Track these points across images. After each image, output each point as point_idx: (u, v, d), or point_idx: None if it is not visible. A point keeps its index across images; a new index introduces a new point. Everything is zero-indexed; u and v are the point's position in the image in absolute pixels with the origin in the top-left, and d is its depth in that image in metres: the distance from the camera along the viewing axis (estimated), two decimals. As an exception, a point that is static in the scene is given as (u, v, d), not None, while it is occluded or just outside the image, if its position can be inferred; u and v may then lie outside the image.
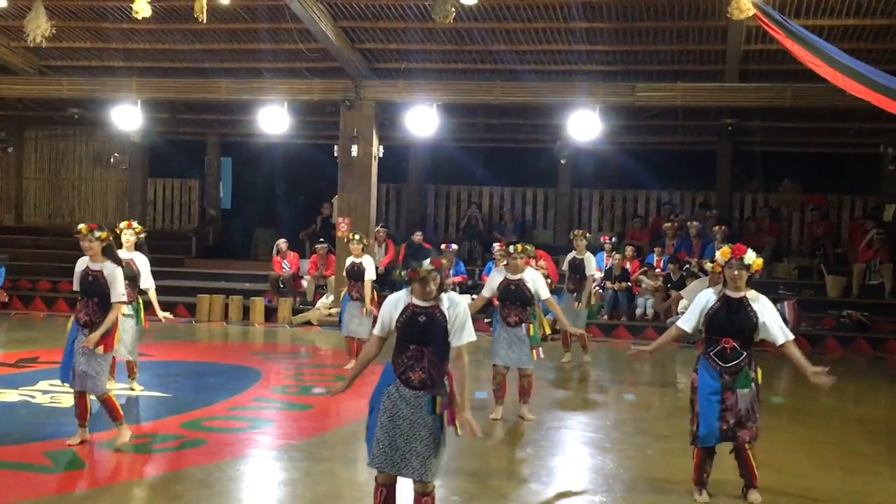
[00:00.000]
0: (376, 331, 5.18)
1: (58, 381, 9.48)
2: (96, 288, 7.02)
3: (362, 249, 11.34)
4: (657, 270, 15.97)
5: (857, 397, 11.17)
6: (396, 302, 5.04)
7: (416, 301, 4.97)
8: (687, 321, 6.31)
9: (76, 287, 7.15)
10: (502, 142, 19.89)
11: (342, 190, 15.88)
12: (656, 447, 7.80)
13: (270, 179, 21.42)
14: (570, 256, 12.40)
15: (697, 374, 6.21)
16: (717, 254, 6.26)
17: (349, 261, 11.44)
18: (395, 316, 5.01)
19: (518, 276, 8.51)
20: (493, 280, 8.71)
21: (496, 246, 15.62)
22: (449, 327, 4.95)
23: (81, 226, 7.19)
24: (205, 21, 11.36)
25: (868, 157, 18.30)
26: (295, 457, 7.23)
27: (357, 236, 11.51)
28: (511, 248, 8.51)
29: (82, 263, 7.12)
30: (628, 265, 16.01)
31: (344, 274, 11.69)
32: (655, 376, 12.61)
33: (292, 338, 14.75)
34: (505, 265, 8.68)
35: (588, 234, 12.79)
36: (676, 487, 6.53)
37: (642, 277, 15.71)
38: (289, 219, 20.44)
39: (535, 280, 8.59)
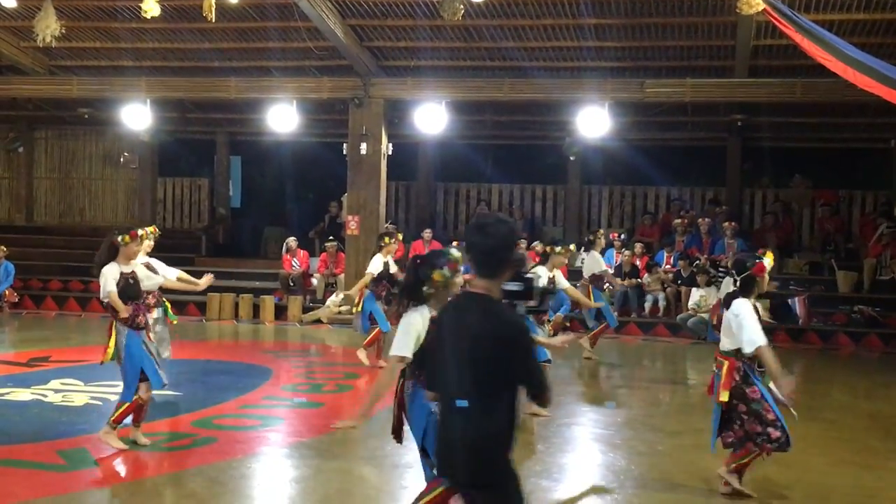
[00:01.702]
0: (404, 352, 4.72)
1: (69, 380, 9.61)
2: (138, 289, 7.11)
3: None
4: (667, 266, 15.95)
5: (869, 393, 11.13)
6: (423, 321, 4.75)
7: (433, 312, 4.83)
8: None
9: (116, 291, 7.03)
10: (511, 139, 19.86)
11: (351, 188, 15.89)
12: (667, 443, 7.79)
13: (280, 178, 21.43)
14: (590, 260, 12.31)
15: (755, 385, 6.01)
16: (768, 261, 6.15)
17: (383, 261, 11.06)
18: (424, 335, 4.74)
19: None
20: None
21: None
22: None
23: (144, 230, 7.59)
24: (213, 20, 11.39)
25: (879, 152, 18.20)
26: (306, 454, 7.25)
27: (401, 235, 11.58)
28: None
29: (115, 269, 7.04)
30: (638, 262, 15.99)
31: (376, 274, 11.08)
32: (666, 373, 12.60)
33: (302, 336, 14.77)
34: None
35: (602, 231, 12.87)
36: (687, 484, 6.52)
37: (647, 280, 15.69)
38: (298, 217, 20.48)
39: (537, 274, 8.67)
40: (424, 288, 4.78)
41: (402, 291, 4.88)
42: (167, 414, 8.52)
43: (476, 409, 3.38)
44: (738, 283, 6.12)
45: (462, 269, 4.88)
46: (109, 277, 7.00)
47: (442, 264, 4.80)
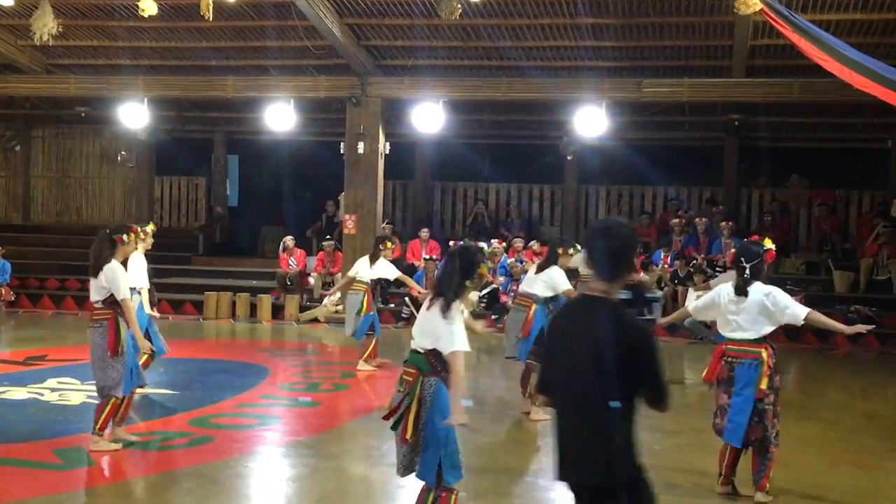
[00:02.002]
0: (468, 346, 4.74)
1: (66, 379, 9.60)
2: None
3: None
4: (664, 266, 15.96)
5: (866, 393, 11.15)
6: (460, 316, 4.81)
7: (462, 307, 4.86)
8: None
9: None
10: (508, 138, 19.86)
11: (348, 187, 15.88)
12: (664, 443, 7.79)
13: (277, 177, 21.42)
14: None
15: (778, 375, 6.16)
16: (771, 244, 6.25)
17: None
18: None
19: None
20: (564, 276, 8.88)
21: (494, 242, 15.70)
22: None
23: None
24: (211, 19, 11.38)
25: (875, 152, 18.23)
26: (303, 453, 7.25)
27: (397, 240, 11.73)
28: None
29: (122, 268, 7.09)
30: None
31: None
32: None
33: (299, 335, 14.76)
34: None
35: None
36: (684, 483, 6.53)
37: (643, 278, 15.69)
38: (295, 216, 20.46)
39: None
40: (467, 282, 4.79)
41: (449, 286, 4.78)
42: (164, 413, 8.53)
43: (599, 414, 3.36)
44: (749, 271, 6.08)
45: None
46: (123, 278, 7.00)
47: (482, 259, 4.85)
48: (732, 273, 6.40)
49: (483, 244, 5.14)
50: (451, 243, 16.16)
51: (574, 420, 3.45)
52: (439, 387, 4.76)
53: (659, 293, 15.34)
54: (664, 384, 3.40)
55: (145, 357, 8.60)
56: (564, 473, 3.51)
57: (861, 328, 6.31)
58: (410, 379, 4.84)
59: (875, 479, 6.90)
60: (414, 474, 4.85)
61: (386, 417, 4.99)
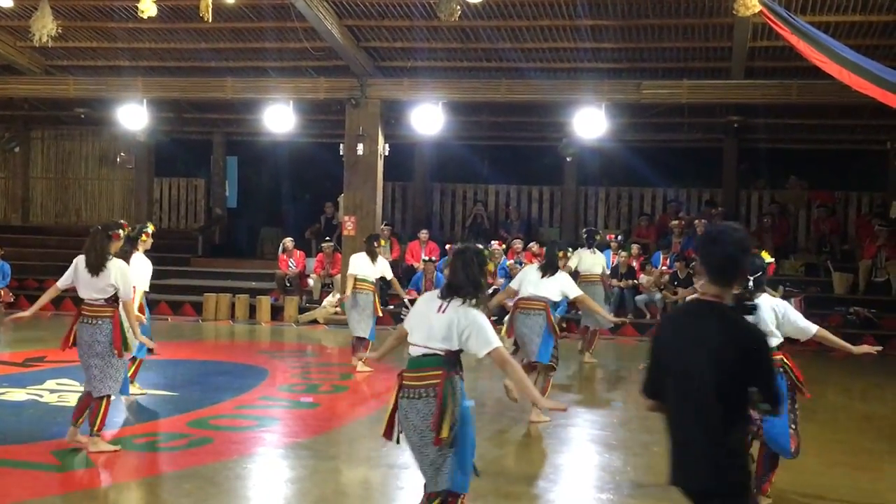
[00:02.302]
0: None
1: (65, 380, 9.59)
2: None
3: None
4: (664, 268, 15.96)
5: (864, 394, 11.16)
6: None
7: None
8: None
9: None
10: (508, 140, 19.88)
11: (348, 188, 15.88)
12: (663, 445, 7.76)
13: (276, 178, 21.44)
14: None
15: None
16: (771, 258, 6.26)
17: None
18: None
19: None
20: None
21: (493, 244, 15.70)
22: None
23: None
24: (210, 20, 11.39)
25: (874, 154, 18.25)
26: (302, 455, 7.25)
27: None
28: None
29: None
30: (634, 263, 16.01)
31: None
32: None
33: (298, 336, 14.76)
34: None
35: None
36: (683, 485, 6.52)
37: (642, 279, 15.69)
38: (295, 217, 20.47)
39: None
40: (482, 281, 4.83)
41: (476, 285, 4.77)
42: (163, 414, 8.52)
43: (715, 419, 3.37)
44: (753, 283, 6.07)
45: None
46: (130, 274, 7.02)
47: (487, 258, 4.91)
48: None
49: (480, 246, 5.12)
50: (448, 246, 16.24)
51: (688, 425, 3.46)
52: (462, 385, 4.76)
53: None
54: (777, 388, 3.45)
55: (138, 359, 8.64)
56: (677, 478, 3.51)
57: (869, 349, 6.26)
58: (438, 381, 4.65)
59: (874, 480, 6.90)
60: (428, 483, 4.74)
61: (387, 433, 4.93)
